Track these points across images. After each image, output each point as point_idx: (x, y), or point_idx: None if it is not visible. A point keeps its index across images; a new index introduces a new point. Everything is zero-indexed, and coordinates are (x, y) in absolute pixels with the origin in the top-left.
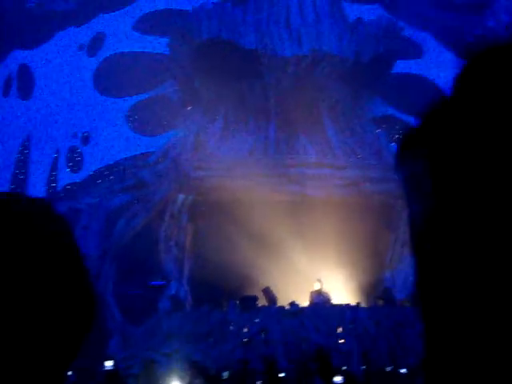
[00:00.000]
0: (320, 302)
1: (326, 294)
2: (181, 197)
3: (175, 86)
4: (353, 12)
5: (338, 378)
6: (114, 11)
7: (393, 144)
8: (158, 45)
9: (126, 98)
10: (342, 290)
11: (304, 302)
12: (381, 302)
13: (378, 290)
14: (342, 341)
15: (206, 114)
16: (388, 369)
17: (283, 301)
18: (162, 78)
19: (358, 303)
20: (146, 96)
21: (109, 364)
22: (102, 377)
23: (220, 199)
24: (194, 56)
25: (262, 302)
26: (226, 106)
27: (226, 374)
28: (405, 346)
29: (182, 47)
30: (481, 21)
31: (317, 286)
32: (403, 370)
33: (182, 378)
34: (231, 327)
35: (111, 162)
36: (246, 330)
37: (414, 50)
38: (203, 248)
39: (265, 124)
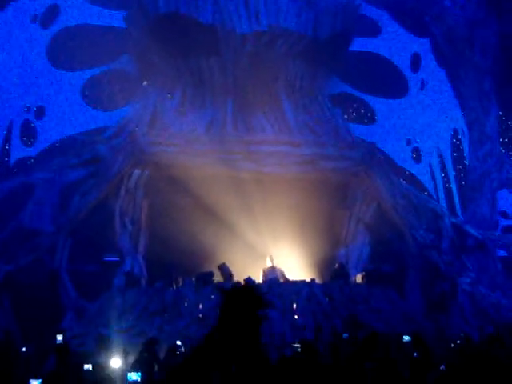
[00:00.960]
0: (273, 278)
1: (280, 270)
2: (136, 172)
3: (132, 60)
4: None
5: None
6: None
7: (349, 122)
8: (114, 18)
9: (81, 72)
10: (298, 267)
11: (259, 278)
12: (335, 279)
13: (331, 266)
14: (297, 316)
15: (163, 90)
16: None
17: (240, 277)
18: (118, 52)
19: (312, 279)
20: (102, 70)
21: (59, 338)
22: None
23: (176, 175)
24: (151, 30)
25: (217, 278)
26: (183, 82)
27: (181, 349)
28: (357, 321)
29: (138, 21)
30: (437, 1)
31: (269, 263)
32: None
33: (134, 354)
34: (186, 303)
35: (66, 137)
36: (200, 306)
37: (371, 29)
38: (159, 224)
39: (222, 101)
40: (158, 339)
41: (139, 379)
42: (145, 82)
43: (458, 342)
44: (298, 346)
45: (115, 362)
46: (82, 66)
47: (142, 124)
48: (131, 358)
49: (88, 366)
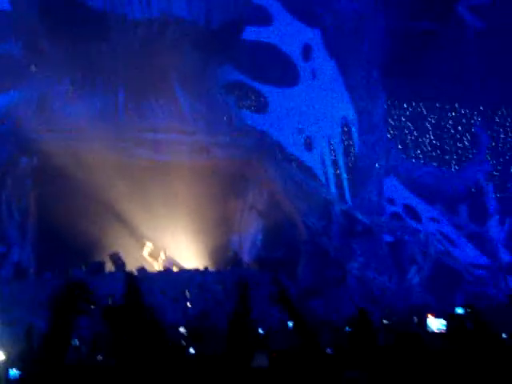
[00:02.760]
0: (167, 267)
1: (173, 259)
2: (24, 160)
3: (19, 44)
4: None
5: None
6: None
7: (242, 110)
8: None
9: None
10: (192, 255)
11: (153, 268)
12: (228, 267)
13: (225, 254)
14: (189, 305)
15: (51, 76)
16: None
17: (132, 267)
18: (3, 36)
19: (205, 267)
20: None
21: None
22: None
23: (66, 163)
24: (38, 15)
25: (109, 267)
26: (73, 68)
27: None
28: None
29: (25, 5)
30: None
31: (162, 256)
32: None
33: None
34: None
35: None
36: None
37: (263, 18)
38: (49, 213)
39: (114, 87)
40: (33, 327)
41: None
42: (32, 67)
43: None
44: (184, 331)
45: None
46: None
47: (29, 110)
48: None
49: None
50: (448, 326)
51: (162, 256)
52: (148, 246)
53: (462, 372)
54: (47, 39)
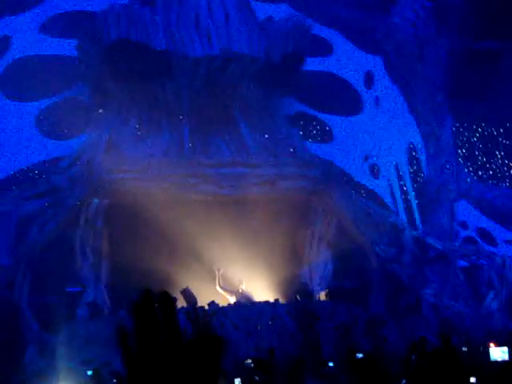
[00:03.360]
0: (242, 301)
1: (248, 293)
2: (95, 201)
3: (85, 88)
4: (262, 11)
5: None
6: (19, 13)
7: (306, 141)
8: (65, 47)
9: (35, 102)
10: (261, 288)
11: (224, 302)
12: (298, 298)
13: (295, 286)
14: (262, 338)
15: (118, 116)
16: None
17: (203, 302)
18: (71, 81)
19: (276, 299)
20: (56, 99)
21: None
22: None
23: (135, 202)
24: (103, 58)
25: (181, 303)
26: (138, 108)
27: None
28: (321, 339)
29: (90, 49)
30: (387, 18)
31: (240, 287)
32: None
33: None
34: None
35: (22, 168)
36: None
37: (323, 48)
38: (120, 252)
39: (178, 125)
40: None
41: None
42: (100, 110)
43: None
44: (250, 361)
45: None
46: (36, 97)
47: (98, 152)
48: None
49: None
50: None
51: (241, 287)
52: (239, 282)
53: None
54: (112, 81)
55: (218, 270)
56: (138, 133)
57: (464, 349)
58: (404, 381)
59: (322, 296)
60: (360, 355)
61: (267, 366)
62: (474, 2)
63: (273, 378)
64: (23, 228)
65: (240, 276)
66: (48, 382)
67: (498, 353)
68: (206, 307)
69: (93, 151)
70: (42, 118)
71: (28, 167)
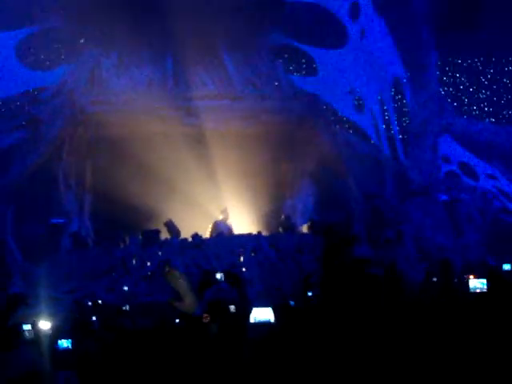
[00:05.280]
0: (223, 231)
1: (228, 224)
2: (79, 132)
3: (67, 18)
4: None
5: (218, 275)
6: None
7: (291, 74)
8: None
9: (15, 31)
10: (244, 220)
11: (206, 234)
12: (281, 230)
13: (278, 219)
14: (244, 269)
15: (100, 48)
16: None
17: (186, 234)
18: (52, 11)
19: (259, 232)
20: (36, 29)
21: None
22: None
23: (118, 134)
24: None
25: (164, 235)
26: (120, 39)
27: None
28: (303, 270)
29: None
30: None
31: (222, 216)
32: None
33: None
34: (134, 261)
35: (2, 98)
36: (148, 263)
37: None
38: (104, 184)
39: (162, 57)
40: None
41: (70, 346)
42: (81, 40)
43: None
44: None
45: (44, 324)
46: (16, 26)
47: (80, 84)
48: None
49: (27, 327)
50: (488, 285)
51: (220, 218)
52: (224, 211)
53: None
54: (93, 11)
55: (225, 210)
56: (121, 65)
57: (434, 279)
58: None
59: (305, 229)
60: None
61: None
62: None
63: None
64: (5, 160)
65: (222, 208)
66: (31, 309)
67: (476, 284)
68: (190, 239)
69: (75, 82)
70: (22, 47)
71: (9, 98)
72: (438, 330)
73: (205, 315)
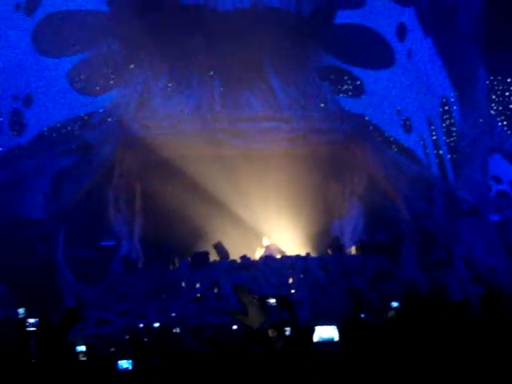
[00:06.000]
0: (270, 254)
1: (276, 246)
2: (128, 156)
3: (117, 44)
4: None
5: (271, 300)
6: None
7: (337, 95)
8: (96, 2)
9: (68, 58)
10: (292, 242)
11: (255, 256)
12: (330, 252)
13: (327, 240)
14: (293, 291)
15: (149, 72)
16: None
17: (235, 255)
18: (102, 36)
19: (307, 253)
20: (87, 55)
21: (21, 311)
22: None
23: (167, 157)
24: (134, 13)
25: (213, 257)
26: (169, 63)
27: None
28: (354, 292)
29: (121, 4)
30: None
31: (265, 242)
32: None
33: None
34: (183, 283)
35: (55, 124)
36: (198, 285)
37: (355, 0)
38: (153, 207)
39: (209, 80)
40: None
41: (130, 367)
42: (131, 66)
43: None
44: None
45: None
46: (68, 52)
47: (130, 108)
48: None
49: (82, 348)
50: None
51: (265, 243)
52: (267, 238)
53: None
54: (143, 36)
55: (267, 237)
56: (169, 88)
57: None
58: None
59: (353, 250)
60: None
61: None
62: None
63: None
64: (57, 183)
65: (271, 230)
66: (85, 330)
67: None
68: (239, 261)
69: (124, 107)
70: (74, 73)
71: (61, 123)
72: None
73: (271, 330)
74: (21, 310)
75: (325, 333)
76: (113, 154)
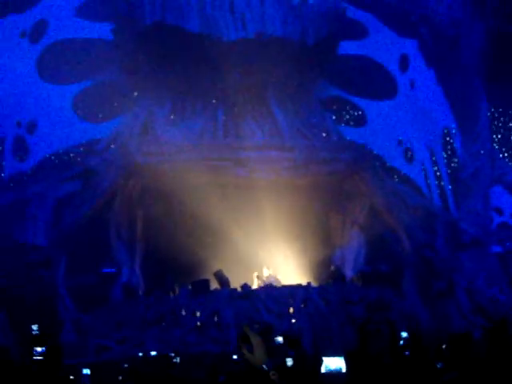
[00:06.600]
0: (271, 284)
1: (275, 277)
2: (130, 183)
3: (121, 71)
4: None
5: (279, 338)
6: None
7: (339, 125)
8: (101, 30)
9: (72, 85)
10: (294, 271)
11: (255, 285)
12: (331, 281)
13: (328, 269)
14: (294, 321)
15: (153, 99)
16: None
17: (236, 283)
18: (106, 64)
19: (308, 283)
20: (92, 82)
21: (35, 327)
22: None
23: (169, 185)
24: (138, 41)
25: (214, 285)
26: (172, 91)
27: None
28: (355, 321)
29: (125, 32)
30: (423, 1)
31: (265, 272)
32: None
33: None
34: (183, 312)
35: (58, 150)
36: (198, 313)
37: (358, 31)
38: (154, 234)
39: (213, 108)
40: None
41: None
42: (135, 93)
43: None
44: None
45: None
46: (73, 79)
47: (134, 135)
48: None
49: (87, 371)
50: None
51: (265, 272)
52: (267, 269)
53: None
54: (147, 64)
55: (267, 267)
56: (172, 116)
57: None
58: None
59: (355, 280)
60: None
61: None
62: None
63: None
64: (59, 209)
65: (271, 259)
66: (83, 358)
67: None
68: (239, 289)
69: (127, 134)
70: (78, 100)
71: (64, 149)
72: None
73: (272, 372)
74: (34, 327)
75: (333, 364)
76: (115, 181)
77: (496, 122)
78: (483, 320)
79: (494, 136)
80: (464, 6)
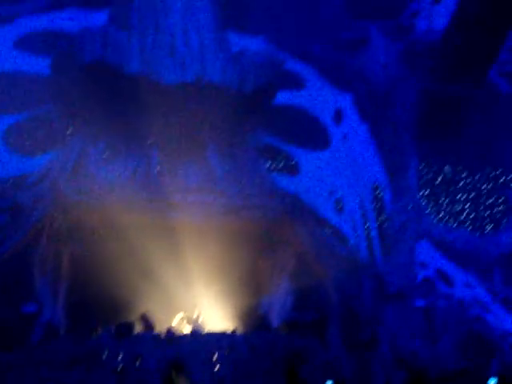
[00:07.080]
0: (197, 329)
1: (200, 322)
2: (58, 220)
3: (56, 107)
4: (237, 43)
5: None
6: None
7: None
8: (39, 65)
9: (3, 117)
10: (219, 317)
11: (182, 329)
12: (257, 328)
13: (254, 316)
14: (217, 368)
15: (87, 137)
16: None
17: (162, 326)
18: (42, 99)
19: (233, 330)
20: (25, 116)
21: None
22: None
23: (99, 224)
24: (75, 78)
25: (139, 328)
26: (108, 130)
27: None
28: (279, 370)
29: (64, 69)
30: (359, 58)
31: (190, 317)
32: None
33: None
34: (105, 354)
35: None
36: (120, 357)
37: (295, 82)
38: (81, 272)
39: (147, 149)
40: None
41: None
42: (68, 130)
43: None
44: None
45: None
46: (4, 112)
47: (65, 171)
48: None
49: None
50: None
51: (190, 317)
52: (196, 313)
53: None
54: (83, 101)
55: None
56: (106, 154)
57: None
58: None
59: (281, 328)
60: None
61: None
62: (445, 48)
63: None
64: None
65: (198, 305)
66: None
67: None
68: (163, 334)
69: (59, 170)
70: (9, 133)
71: None
72: None
73: None
74: None
75: None
76: (43, 217)
77: (424, 178)
78: (403, 373)
79: (423, 191)
80: (398, 64)
